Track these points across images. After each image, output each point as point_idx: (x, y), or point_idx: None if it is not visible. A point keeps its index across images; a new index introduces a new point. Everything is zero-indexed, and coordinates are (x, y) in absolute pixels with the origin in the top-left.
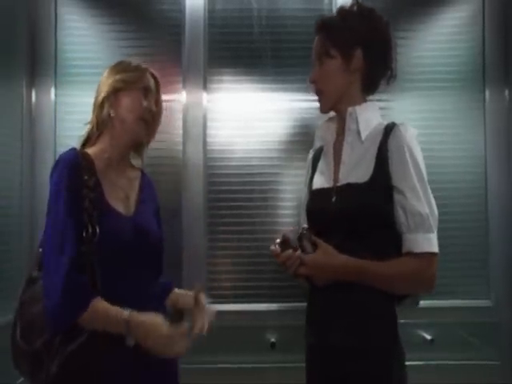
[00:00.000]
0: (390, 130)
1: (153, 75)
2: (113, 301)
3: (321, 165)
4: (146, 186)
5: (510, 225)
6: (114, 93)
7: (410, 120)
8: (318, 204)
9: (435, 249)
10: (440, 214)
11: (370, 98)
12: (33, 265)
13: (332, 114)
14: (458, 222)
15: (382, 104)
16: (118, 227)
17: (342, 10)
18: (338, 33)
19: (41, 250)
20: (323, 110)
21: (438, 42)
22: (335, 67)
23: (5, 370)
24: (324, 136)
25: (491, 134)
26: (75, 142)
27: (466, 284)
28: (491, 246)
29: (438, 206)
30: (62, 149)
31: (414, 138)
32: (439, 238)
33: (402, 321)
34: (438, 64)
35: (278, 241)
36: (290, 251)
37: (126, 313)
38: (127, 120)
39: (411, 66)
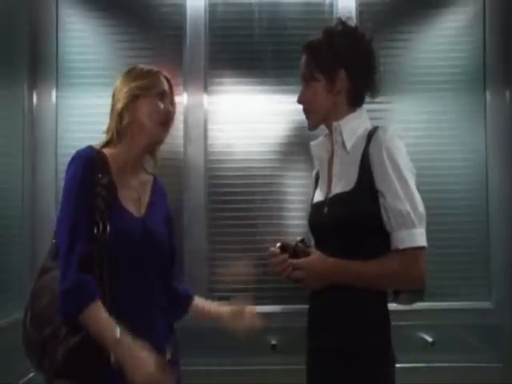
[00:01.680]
0: (371, 135)
1: (165, 77)
2: (117, 300)
3: (320, 180)
4: (158, 191)
5: (511, 226)
6: (132, 100)
7: (410, 121)
8: (314, 217)
9: (420, 243)
10: (440, 215)
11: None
12: (46, 255)
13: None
14: (459, 224)
15: (383, 106)
16: (128, 227)
17: (326, 31)
18: (321, 56)
19: (54, 241)
20: (310, 127)
21: (438, 44)
22: (320, 90)
23: (5, 369)
24: (318, 154)
25: (492, 135)
26: (76, 144)
27: (466, 286)
28: (492, 248)
29: (439, 207)
30: (63, 150)
31: (393, 138)
32: (440, 240)
33: (403, 323)
34: (439, 65)
35: (278, 245)
36: (286, 255)
37: (117, 332)
38: (146, 125)
39: (412, 67)
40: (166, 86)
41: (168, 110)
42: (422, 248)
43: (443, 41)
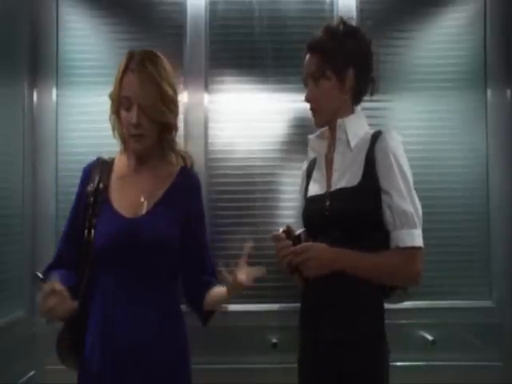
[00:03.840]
0: (376, 137)
1: (132, 71)
2: (97, 295)
3: (315, 174)
4: (179, 185)
5: None
6: (113, 114)
7: (411, 120)
8: (313, 209)
9: (419, 243)
10: (441, 213)
11: (372, 97)
12: None
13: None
14: (460, 222)
15: (383, 104)
16: (112, 228)
17: (329, 30)
18: (333, 55)
19: None
20: (318, 125)
21: (439, 42)
22: (330, 88)
23: (5, 369)
24: (316, 148)
25: (493, 134)
26: (76, 143)
27: (467, 285)
28: (493, 246)
29: (439, 206)
30: (64, 149)
31: (398, 143)
32: (440, 238)
33: (404, 321)
34: (440, 64)
35: (282, 229)
36: (290, 242)
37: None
38: (123, 138)
39: (413, 65)
40: (129, 87)
41: (130, 123)
42: (420, 248)
43: (444, 39)
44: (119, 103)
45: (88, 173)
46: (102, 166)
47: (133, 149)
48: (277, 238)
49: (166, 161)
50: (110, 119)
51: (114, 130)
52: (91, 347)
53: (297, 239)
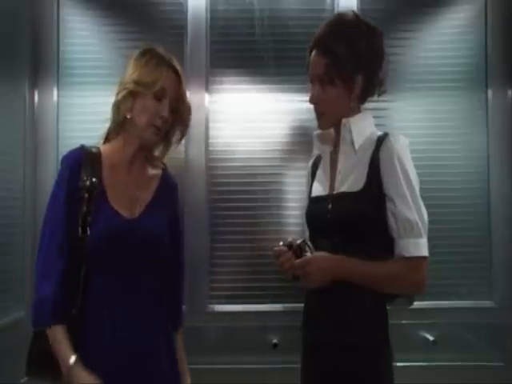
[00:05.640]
0: (381, 140)
1: (174, 69)
2: (97, 300)
3: (319, 173)
4: (164, 187)
5: None
6: (129, 95)
7: (412, 120)
8: (316, 211)
9: (424, 253)
10: (442, 214)
11: (372, 98)
12: None
13: None
14: (461, 223)
15: (384, 104)
16: (115, 229)
17: (341, 27)
18: (342, 62)
19: None
20: (323, 128)
21: (440, 42)
22: (338, 95)
23: (5, 369)
24: (321, 146)
25: (494, 135)
26: (77, 143)
27: (468, 285)
28: (494, 247)
29: (441, 206)
30: (65, 149)
31: (404, 147)
32: (442, 238)
33: (405, 321)
34: (441, 64)
35: (282, 243)
36: (290, 253)
37: (71, 360)
38: (138, 125)
39: (414, 66)
40: (168, 83)
41: (161, 115)
42: (425, 258)
43: (445, 39)
44: (150, 90)
45: (74, 165)
46: (89, 158)
47: (147, 139)
48: (280, 254)
49: (149, 162)
50: (115, 103)
51: (117, 113)
52: (88, 353)
53: (298, 248)
